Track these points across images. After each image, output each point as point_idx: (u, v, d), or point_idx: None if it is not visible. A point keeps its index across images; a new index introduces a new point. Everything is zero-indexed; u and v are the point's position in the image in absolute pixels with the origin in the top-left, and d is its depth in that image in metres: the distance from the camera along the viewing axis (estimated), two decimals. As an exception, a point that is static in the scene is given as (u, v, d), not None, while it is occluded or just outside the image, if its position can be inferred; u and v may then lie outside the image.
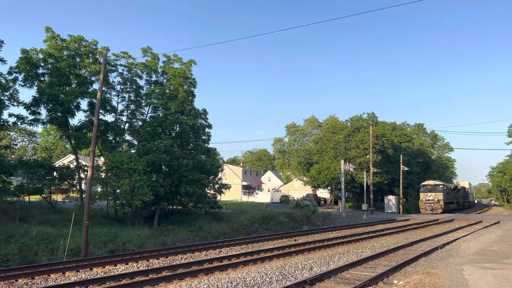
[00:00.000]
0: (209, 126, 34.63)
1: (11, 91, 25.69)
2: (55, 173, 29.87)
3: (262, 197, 56.29)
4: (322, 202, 57.92)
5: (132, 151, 30.03)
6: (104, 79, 25.57)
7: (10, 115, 26.07)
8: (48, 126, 33.93)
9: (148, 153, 26.09)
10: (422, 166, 75.67)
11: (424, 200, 50.37)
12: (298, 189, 70.45)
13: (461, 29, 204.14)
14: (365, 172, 49.13)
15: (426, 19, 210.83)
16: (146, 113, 32.46)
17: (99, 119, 21.06)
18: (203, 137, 33.57)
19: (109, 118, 31.61)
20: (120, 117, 31.62)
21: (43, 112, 27.70)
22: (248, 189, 63.63)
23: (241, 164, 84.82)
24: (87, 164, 25.12)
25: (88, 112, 29.25)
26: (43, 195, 31.04)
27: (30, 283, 9.56)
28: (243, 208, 35.49)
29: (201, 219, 26.40)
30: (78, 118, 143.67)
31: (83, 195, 26.82)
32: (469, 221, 31.55)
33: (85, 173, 26.83)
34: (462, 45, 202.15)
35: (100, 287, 9.17)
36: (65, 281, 9.61)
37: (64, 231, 17.00)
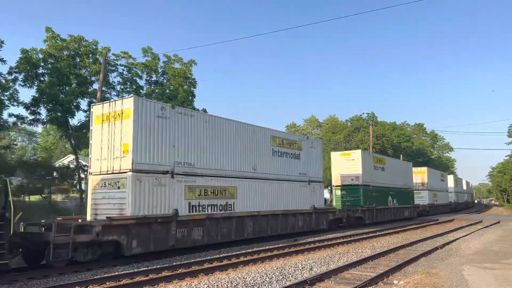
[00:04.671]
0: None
1: (11, 91, 25.66)
2: (55, 173, 29.86)
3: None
4: (322, 202, 57.77)
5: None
6: (104, 79, 25.62)
7: (10, 115, 26.10)
8: (48, 126, 33.94)
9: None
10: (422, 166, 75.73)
11: None
12: (298, 189, 70.44)
13: (461, 28, 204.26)
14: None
15: (426, 18, 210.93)
16: (146, 113, 32.42)
17: (99, 119, 21.03)
18: (203, 137, 33.45)
19: (109, 118, 31.54)
20: (120, 117, 31.60)
21: (43, 112, 27.73)
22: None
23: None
24: (87, 164, 25.15)
25: (88, 112, 29.26)
26: (43, 195, 31.06)
27: (29, 283, 9.55)
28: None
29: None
30: (78, 118, 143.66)
31: (83, 195, 26.80)
32: (469, 221, 31.56)
33: (85, 173, 26.86)
34: (462, 45, 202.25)
35: (100, 287, 9.16)
36: (65, 281, 9.60)
37: (64, 231, 16.94)
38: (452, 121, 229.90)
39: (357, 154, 27.81)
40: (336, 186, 28.03)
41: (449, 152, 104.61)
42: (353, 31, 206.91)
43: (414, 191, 38.35)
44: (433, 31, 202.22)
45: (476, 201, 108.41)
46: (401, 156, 56.58)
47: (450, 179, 57.85)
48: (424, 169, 44.01)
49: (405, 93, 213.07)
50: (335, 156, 28.83)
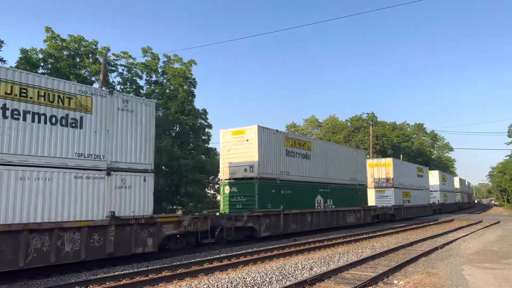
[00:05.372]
0: (209, 126, 34.60)
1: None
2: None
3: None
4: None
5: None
6: (104, 79, 25.64)
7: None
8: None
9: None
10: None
11: None
12: (298, 189, 70.15)
13: (460, 28, 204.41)
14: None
15: (426, 19, 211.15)
16: (146, 113, 32.47)
17: (99, 119, 21.06)
18: (203, 137, 33.61)
19: (109, 118, 31.65)
20: (120, 117, 31.66)
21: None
22: (248, 189, 63.34)
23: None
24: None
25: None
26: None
27: (29, 283, 9.55)
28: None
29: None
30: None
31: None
32: (469, 221, 31.56)
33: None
34: (462, 45, 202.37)
35: (100, 287, 9.16)
36: (65, 281, 9.61)
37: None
38: (452, 121, 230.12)
39: (252, 131, 18.37)
40: (224, 180, 19.20)
41: (449, 152, 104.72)
42: (353, 31, 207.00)
43: (376, 189, 32.18)
44: (433, 31, 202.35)
45: (476, 201, 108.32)
46: (401, 156, 56.53)
47: (434, 175, 48.56)
48: (389, 160, 33.62)
49: (405, 93, 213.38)
50: (226, 136, 19.36)
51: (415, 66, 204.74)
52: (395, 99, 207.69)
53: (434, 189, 46.97)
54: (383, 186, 32.59)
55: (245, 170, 18.28)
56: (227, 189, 19.02)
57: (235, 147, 18.75)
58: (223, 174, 19.32)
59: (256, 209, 17.58)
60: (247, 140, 18.41)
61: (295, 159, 20.67)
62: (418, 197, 37.88)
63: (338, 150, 25.86)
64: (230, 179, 18.97)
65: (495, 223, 29.79)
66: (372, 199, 31.30)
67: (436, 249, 15.29)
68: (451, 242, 17.53)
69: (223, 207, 19.12)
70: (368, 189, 31.20)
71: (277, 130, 19.99)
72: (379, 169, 32.82)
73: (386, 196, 32.28)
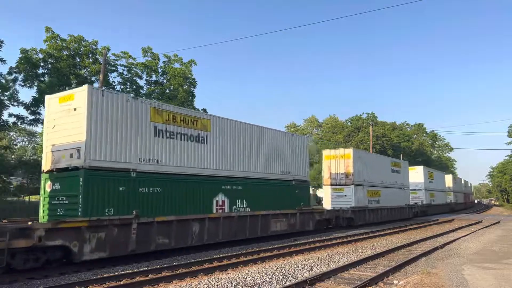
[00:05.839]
0: (209, 126, 34.43)
1: (11, 91, 25.73)
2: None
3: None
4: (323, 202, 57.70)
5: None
6: (104, 79, 25.65)
7: (10, 115, 26.12)
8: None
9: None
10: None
11: None
12: (298, 189, 69.99)
13: (460, 28, 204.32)
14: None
15: (426, 18, 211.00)
16: (146, 113, 32.46)
17: (99, 119, 21.11)
18: (203, 137, 33.39)
19: (109, 118, 31.70)
20: (120, 117, 31.67)
21: (43, 112, 27.77)
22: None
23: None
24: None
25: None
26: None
27: (29, 283, 9.55)
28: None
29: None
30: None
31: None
32: (469, 221, 31.58)
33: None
34: (462, 45, 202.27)
35: (100, 287, 9.16)
36: (65, 281, 9.61)
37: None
38: (452, 121, 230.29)
39: (81, 96, 12.12)
40: (46, 172, 12.95)
41: (449, 152, 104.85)
42: (353, 31, 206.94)
43: (332, 187, 26.85)
44: (433, 31, 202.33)
45: (476, 201, 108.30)
46: (401, 156, 56.51)
47: (418, 172, 41.97)
48: (349, 151, 27.39)
49: (405, 93, 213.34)
50: (51, 104, 13.10)
51: (415, 66, 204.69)
52: (395, 99, 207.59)
53: (418, 188, 41.19)
54: (341, 183, 26.73)
55: (71, 155, 12.08)
56: (48, 186, 12.85)
57: (62, 121, 12.60)
58: (46, 163, 12.99)
59: (79, 217, 11.44)
60: (74, 109, 12.21)
61: (174, 141, 14.44)
62: (391, 197, 31.67)
63: (260, 133, 18.84)
64: (52, 170, 12.73)
65: (495, 223, 29.81)
66: (329, 200, 26.75)
67: (436, 249, 15.29)
68: (451, 242, 17.53)
69: (43, 214, 12.83)
70: (324, 186, 27.47)
71: (134, 96, 14.07)
72: (337, 162, 26.88)
73: (345, 196, 26.55)
